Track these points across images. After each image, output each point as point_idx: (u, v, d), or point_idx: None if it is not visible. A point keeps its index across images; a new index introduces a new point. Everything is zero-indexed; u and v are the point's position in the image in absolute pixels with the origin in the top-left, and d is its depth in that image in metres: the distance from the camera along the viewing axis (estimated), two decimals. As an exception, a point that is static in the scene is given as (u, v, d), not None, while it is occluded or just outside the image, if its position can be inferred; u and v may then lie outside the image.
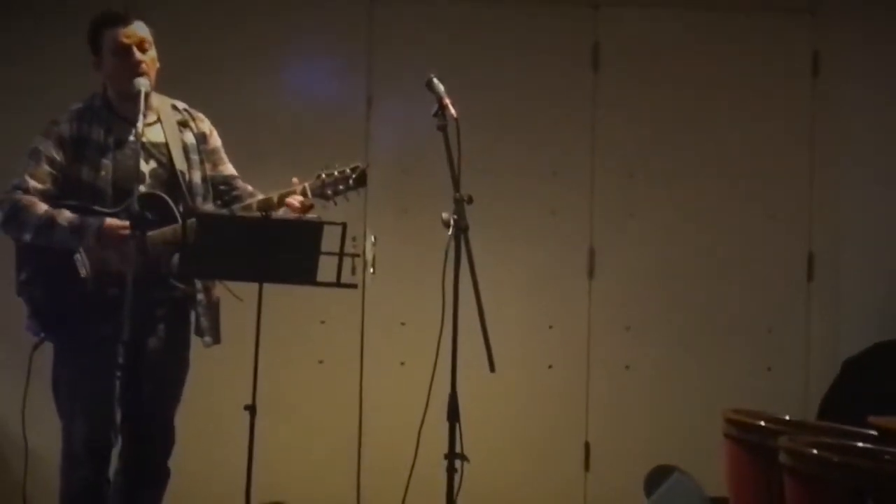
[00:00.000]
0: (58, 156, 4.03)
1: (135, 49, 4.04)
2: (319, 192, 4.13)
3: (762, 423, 3.32)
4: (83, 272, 3.98)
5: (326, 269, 3.95)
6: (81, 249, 3.97)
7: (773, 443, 3.03)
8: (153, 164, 4.11)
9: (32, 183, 3.99)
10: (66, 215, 3.96)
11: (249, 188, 4.31)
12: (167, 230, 3.97)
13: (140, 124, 3.83)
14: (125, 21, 4.08)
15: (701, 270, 6.02)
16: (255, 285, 3.91)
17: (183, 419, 4.27)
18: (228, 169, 4.34)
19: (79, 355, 4.01)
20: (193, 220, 3.92)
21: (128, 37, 4.05)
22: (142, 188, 4.01)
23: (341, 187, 4.14)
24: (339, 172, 4.15)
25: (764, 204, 6.06)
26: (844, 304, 6.06)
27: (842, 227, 6.08)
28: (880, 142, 6.04)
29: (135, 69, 4.02)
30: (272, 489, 5.15)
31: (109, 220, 3.95)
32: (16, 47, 5.71)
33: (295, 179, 4.14)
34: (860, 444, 3.11)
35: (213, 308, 4.21)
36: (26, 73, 5.65)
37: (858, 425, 3.47)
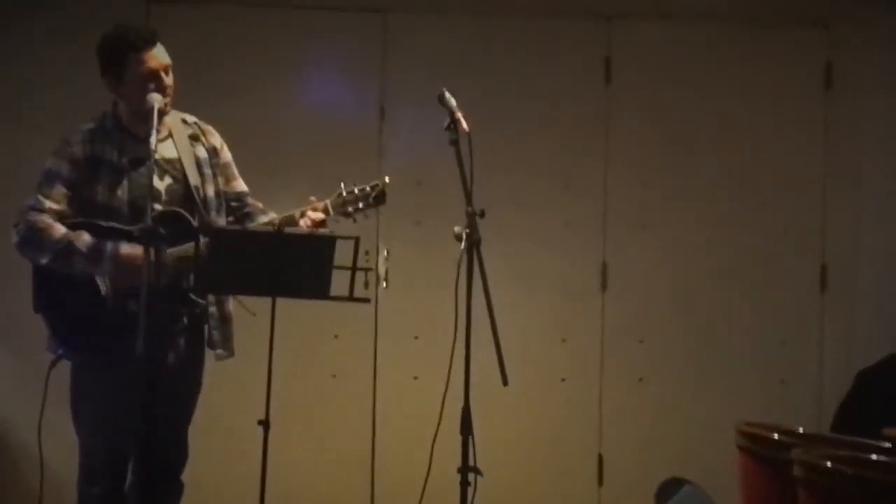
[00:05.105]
0: (73, 176, 3.99)
1: (163, 74, 4.02)
2: (340, 210, 4.12)
3: (776, 436, 3.31)
4: (103, 289, 3.96)
5: (339, 283, 3.94)
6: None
7: (787, 455, 3.02)
8: (168, 180, 4.11)
9: (48, 203, 3.95)
10: (84, 240, 3.92)
11: (260, 205, 4.31)
12: (187, 247, 3.94)
13: (153, 140, 3.80)
14: (152, 43, 4.02)
15: (714, 282, 6.02)
16: (269, 300, 3.92)
17: (197, 433, 4.28)
18: (240, 185, 4.33)
19: (99, 372, 4.01)
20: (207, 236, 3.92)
21: (157, 61, 4.00)
22: (158, 206, 3.99)
23: (361, 205, 4.13)
24: (359, 190, 4.13)
25: (777, 215, 6.05)
26: (858, 315, 6.04)
27: (855, 239, 6.07)
28: (893, 153, 6.02)
29: (164, 93, 4.00)
30: (286, 503, 5.16)
31: (126, 248, 3.89)
32: (17, 52, 5.74)
33: (313, 198, 4.12)
34: (874, 457, 3.09)
35: (226, 321, 4.21)
36: (28, 76, 5.69)
37: (873, 437, 3.45)
